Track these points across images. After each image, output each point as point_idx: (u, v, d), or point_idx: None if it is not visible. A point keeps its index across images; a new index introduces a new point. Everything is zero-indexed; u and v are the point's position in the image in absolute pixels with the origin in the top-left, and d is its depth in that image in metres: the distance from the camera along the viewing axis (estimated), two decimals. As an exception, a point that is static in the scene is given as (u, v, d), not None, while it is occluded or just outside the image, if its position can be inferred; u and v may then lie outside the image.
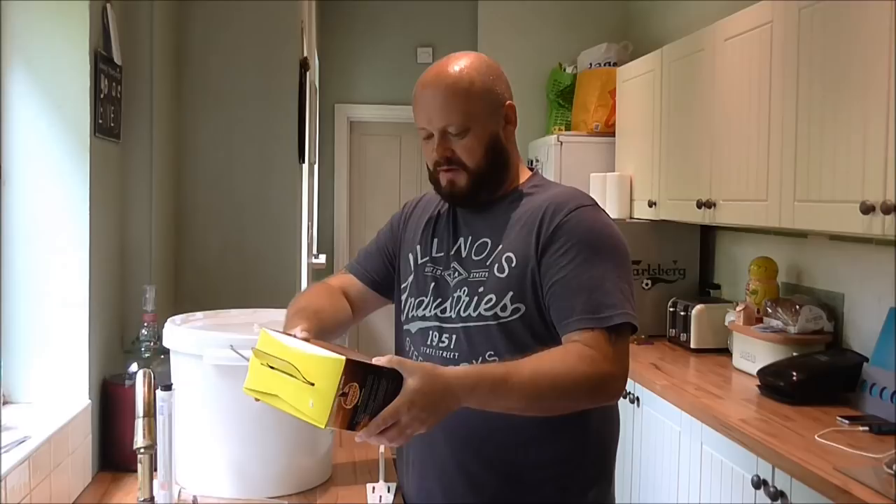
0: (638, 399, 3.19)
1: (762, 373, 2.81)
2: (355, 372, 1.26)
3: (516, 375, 1.40)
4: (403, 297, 1.75)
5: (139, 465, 1.62)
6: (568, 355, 1.47)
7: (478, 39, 5.26)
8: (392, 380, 1.29)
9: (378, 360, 1.30)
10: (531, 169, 1.78)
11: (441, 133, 1.62)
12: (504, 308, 1.59)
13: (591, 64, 4.74)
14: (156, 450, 1.65)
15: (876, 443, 2.23)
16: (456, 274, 1.66)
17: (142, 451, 1.61)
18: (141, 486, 1.62)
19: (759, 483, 2.27)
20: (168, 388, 1.71)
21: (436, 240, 1.73)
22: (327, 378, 1.25)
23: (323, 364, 1.27)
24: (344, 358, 1.25)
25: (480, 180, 1.64)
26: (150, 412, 1.64)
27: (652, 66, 3.89)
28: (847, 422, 2.41)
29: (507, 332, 1.59)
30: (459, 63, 1.63)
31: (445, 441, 1.62)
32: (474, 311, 1.61)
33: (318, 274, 4.71)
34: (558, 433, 1.60)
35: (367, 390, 1.26)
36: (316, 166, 5.29)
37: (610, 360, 1.47)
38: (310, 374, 1.27)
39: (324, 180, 5.71)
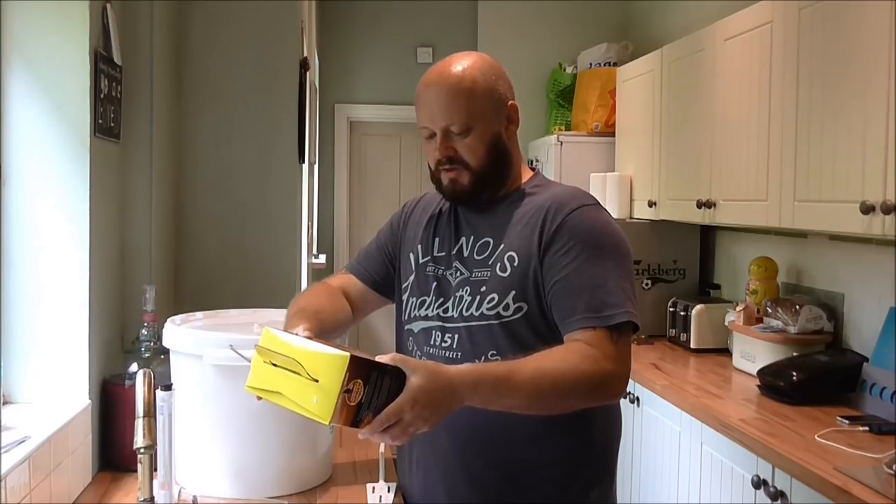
0: (638, 399, 3.19)
1: (762, 373, 2.81)
2: (359, 369, 1.26)
3: (518, 374, 1.40)
4: (405, 296, 1.75)
5: (139, 465, 1.61)
6: (570, 354, 1.47)
7: (478, 39, 5.26)
8: (395, 378, 1.30)
9: (381, 358, 1.30)
10: (532, 169, 1.78)
11: (444, 132, 1.62)
12: (507, 307, 1.59)
13: (591, 64, 4.74)
14: (156, 450, 1.65)
15: (876, 443, 2.23)
16: (458, 273, 1.66)
17: (142, 451, 1.61)
18: (141, 486, 1.62)
19: (759, 483, 2.27)
20: (168, 388, 1.71)
21: (437, 239, 1.73)
22: (332, 375, 1.25)
23: (327, 361, 1.27)
24: (349, 354, 1.25)
25: (483, 180, 1.64)
26: (150, 412, 1.63)
27: (652, 66, 3.89)
28: (847, 422, 2.41)
29: (510, 331, 1.59)
30: (462, 63, 1.63)
31: (448, 440, 1.63)
32: (476, 310, 1.61)
33: (318, 274, 4.71)
34: (561, 432, 1.61)
35: (370, 388, 1.27)
36: (316, 166, 5.29)
37: (612, 359, 1.48)
38: (314, 371, 1.27)
39: (324, 180, 5.71)
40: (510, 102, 1.67)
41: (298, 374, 1.29)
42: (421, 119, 1.65)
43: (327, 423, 1.25)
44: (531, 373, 1.41)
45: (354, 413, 1.27)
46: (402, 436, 1.31)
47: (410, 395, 1.29)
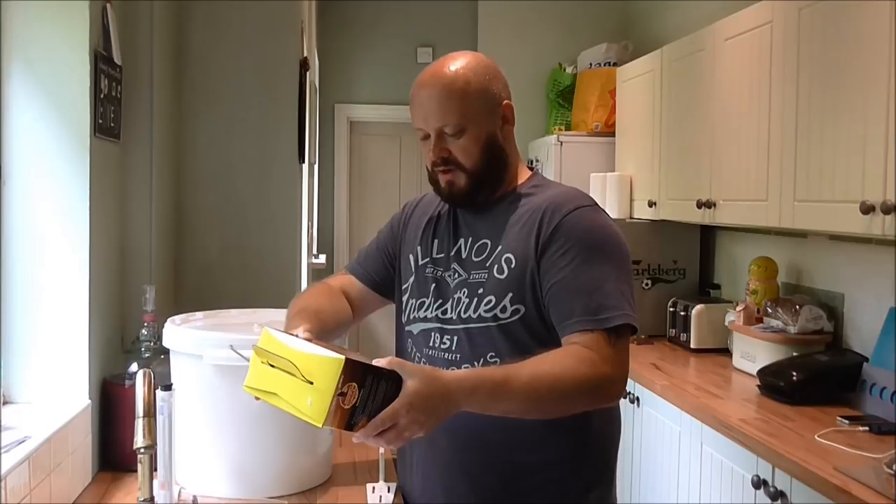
0: (638, 399, 3.19)
1: (762, 373, 2.81)
2: (354, 372, 1.26)
3: (515, 379, 1.39)
4: (404, 297, 1.75)
5: (139, 465, 1.62)
6: (567, 357, 1.46)
7: (478, 39, 5.26)
8: (392, 381, 1.29)
9: (378, 362, 1.29)
10: (531, 169, 1.77)
11: (437, 133, 1.61)
12: (504, 309, 1.58)
13: (591, 64, 4.74)
14: (156, 450, 1.65)
15: (876, 443, 2.23)
16: (456, 275, 1.66)
17: (142, 451, 1.61)
18: (141, 486, 1.62)
19: (759, 483, 2.27)
20: (168, 388, 1.71)
21: (436, 241, 1.73)
22: (326, 377, 1.25)
23: (322, 363, 1.27)
24: (343, 357, 1.25)
25: (478, 180, 1.63)
26: (150, 412, 1.63)
27: (652, 66, 3.89)
28: (847, 422, 2.41)
29: (508, 333, 1.58)
30: (456, 63, 1.62)
31: (448, 441, 1.62)
32: (474, 312, 1.61)
33: (318, 274, 4.71)
34: (560, 434, 1.60)
35: (365, 391, 1.26)
36: (316, 166, 5.29)
37: (609, 362, 1.47)
38: (309, 373, 1.27)
39: (324, 180, 5.71)
40: (505, 102, 1.65)
41: (294, 375, 1.29)
42: (415, 120, 1.65)
43: (320, 425, 1.25)
44: (528, 377, 1.40)
45: (349, 416, 1.26)
46: (398, 440, 1.30)
47: (406, 400, 1.28)
